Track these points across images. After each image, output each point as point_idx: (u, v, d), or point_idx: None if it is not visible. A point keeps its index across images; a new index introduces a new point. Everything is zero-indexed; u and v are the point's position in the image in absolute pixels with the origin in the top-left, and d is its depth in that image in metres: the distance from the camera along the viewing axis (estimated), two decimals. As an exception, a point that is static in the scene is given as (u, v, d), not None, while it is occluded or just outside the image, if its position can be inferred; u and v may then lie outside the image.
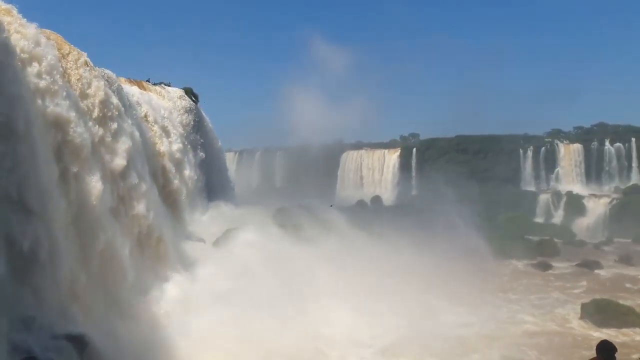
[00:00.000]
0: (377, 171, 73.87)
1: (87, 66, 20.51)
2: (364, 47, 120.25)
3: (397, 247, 35.54)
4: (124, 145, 20.88)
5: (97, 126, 19.65)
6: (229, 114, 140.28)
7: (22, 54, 15.14)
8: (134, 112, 28.04)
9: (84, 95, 19.68)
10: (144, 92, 34.85)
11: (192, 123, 39.84)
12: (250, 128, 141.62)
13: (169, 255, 23.78)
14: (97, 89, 20.36)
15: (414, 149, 73.15)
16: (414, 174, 71.38)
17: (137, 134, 24.11)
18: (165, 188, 31.02)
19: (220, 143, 49.60)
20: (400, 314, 23.26)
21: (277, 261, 26.45)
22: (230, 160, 73.97)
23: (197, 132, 40.57)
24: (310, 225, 35.92)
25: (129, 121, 23.61)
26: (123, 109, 23.07)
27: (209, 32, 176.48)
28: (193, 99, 42.41)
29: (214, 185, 42.57)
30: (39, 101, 15.31)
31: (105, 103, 20.52)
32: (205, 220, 36.37)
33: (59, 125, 16.00)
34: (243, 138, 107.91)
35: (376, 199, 64.43)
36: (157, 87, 38.64)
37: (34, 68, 15.41)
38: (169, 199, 31.38)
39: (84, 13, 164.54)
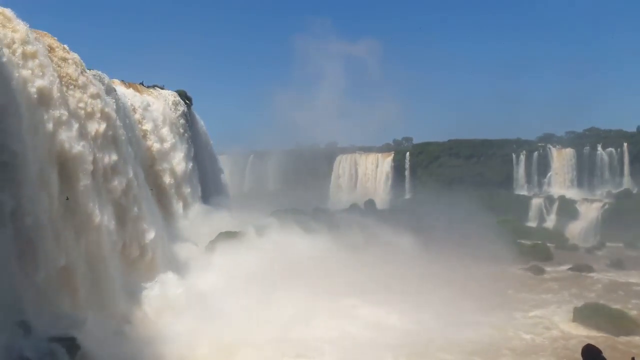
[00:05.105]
0: (371, 175, 73.93)
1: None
2: (358, 52, 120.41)
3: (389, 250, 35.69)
4: None
5: None
6: (223, 117, 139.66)
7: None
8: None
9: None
10: (138, 94, 34.77)
11: (184, 125, 39.70)
12: (245, 131, 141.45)
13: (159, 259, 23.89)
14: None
15: (407, 153, 73.27)
16: (407, 177, 71.57)
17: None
18: (156, 190, 30.94)
19: (213, 146, 49.55)
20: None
21: None
22: (224, 163, 73.64)
23: (190, 134, 40.43)
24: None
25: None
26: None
27: (204, 35, 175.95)
28: (187, 101, 42.29)
29: (207, 188, 42.42)
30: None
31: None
32: (196, 222, 36.24)
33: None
34: (237, 141, 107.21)
35: (370, 203, 64.40)
36: (151, 90, 38.53)
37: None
38: (160, 201, 31.31)
39: (79, 16, 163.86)
